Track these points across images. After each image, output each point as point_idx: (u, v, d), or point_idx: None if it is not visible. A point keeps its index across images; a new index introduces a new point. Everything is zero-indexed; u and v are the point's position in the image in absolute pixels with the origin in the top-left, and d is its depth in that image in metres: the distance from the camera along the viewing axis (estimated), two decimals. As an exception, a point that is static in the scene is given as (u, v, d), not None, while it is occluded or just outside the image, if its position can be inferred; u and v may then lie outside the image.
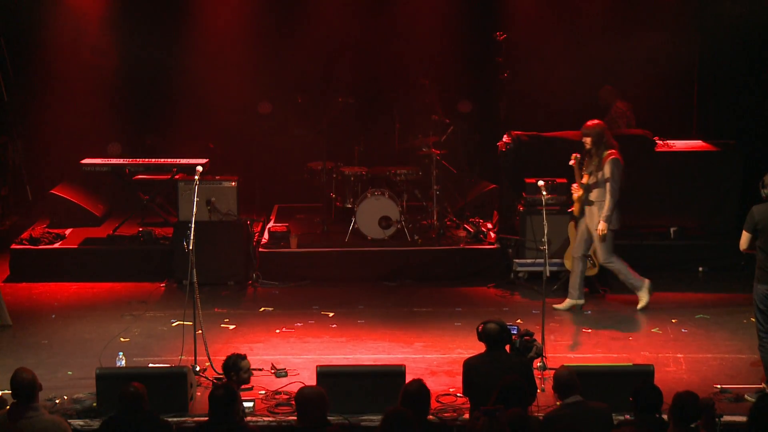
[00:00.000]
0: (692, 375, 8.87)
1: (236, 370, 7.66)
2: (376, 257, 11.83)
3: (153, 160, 12.48)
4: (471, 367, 7.54)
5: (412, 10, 13.67)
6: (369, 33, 13.91)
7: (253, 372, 8.76)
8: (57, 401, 8.12)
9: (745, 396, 8.24)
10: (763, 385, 8.41)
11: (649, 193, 12.13)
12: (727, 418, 7.32)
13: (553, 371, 7.42)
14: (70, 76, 13.64)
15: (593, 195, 10.31)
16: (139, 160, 12.40)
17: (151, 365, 8.82)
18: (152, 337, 9.88)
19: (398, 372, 8.08)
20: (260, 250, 11.85)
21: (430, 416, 7.54)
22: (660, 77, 13.58)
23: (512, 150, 12.17)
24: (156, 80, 13.96)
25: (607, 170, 10.19)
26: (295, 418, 7.67)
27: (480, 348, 7.69)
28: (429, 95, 13.05)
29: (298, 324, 10.25)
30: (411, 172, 12.42)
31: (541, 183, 9.53)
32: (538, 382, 8.51)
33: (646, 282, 10.55)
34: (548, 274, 9.20)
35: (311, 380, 8.23)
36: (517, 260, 11.58)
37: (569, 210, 10.73)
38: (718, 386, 8.48)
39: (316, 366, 8.14)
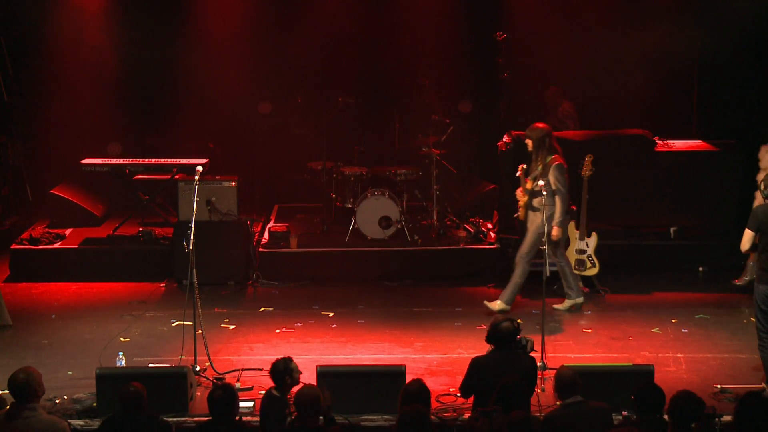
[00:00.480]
0: (692, 375, 8.87)
1: (289, 372, 7.40)
2: (376, 257, 11.83)
3: (153, 160, 12.48)
4: (481, 366, 7.47)
5: (412, 10, 13.66)
6: (369, 33, 13.90)
7: (253, 372, 8.83)
8: (57, 401, 8.12)
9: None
10: (763, 385, 8.40)
11: (649, 193, 12.13)
12: (727, 418, 7.31)
13: (554, 371, 7.42)
14: (70, 76, 13.63)
15: (537, 201, 10.17)
16: (139, 160, 12.40)
17: (151, 365, 8.82)
18: (152, 337, 9.88)
19: (398, 372, 8.08)
20: (260, 250, 11.85)
21: (431, 416, 7.53)
22: (660, 77, 13.59)
23: (512, 150, 12.16)
24: (156, 80, 13.95)
25: (552, 177, 10.06)
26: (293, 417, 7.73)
27: (482, 346, 7.69)
28: (429, 95, 13.06)
29: (298, 324, 10.25)
30: (411, 172, 12.42)
31: (541, 183, 9.52)
32: (538, 382, 8.53)
33: (582, 298, 10.51)
34: (548, 274, 9.20)
35: (311, 380, 8.22)
36: (517, 260, 11.57)
37: (516, 216, 10.57)
38: (718, 386, 8.48)
39: (316, 366, 8.14)
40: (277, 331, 10.06)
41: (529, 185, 10.23)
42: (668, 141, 12.48)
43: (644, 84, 13.50)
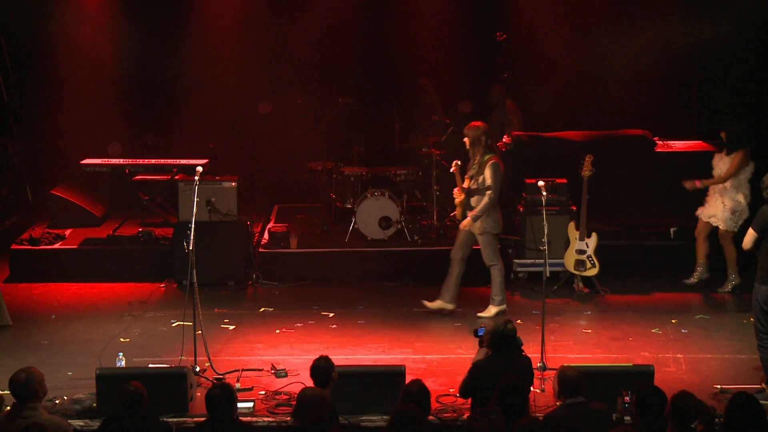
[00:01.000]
0: (692, 375, 8.87)
1: (333, 369, 7.31)
2: (376, 257, 11.82)
3: (153, 160, 12.47)
4: (483, 371, 7.40)
5: (413, 11, 13.66)
6: (369, 33, 13.90)
7: (254, 372, 8.83)
8: (57, 401, 8.13)
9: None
10: (762, 385, 8.40)
11: (649, 193, 12.14)
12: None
13: (554, 371, 7.41)
14: (71, 76, 13.64)
15: (475, 200, 10.13)
16: (139, 161, 12.40)
17: (151, 365, 8.82)
18: (152, 337, 9.88)
19: (398, 372, 8.09)
20: (260, 250, 11.85)
21: (431, 417, 7.53)
22: (660, 77, 13.59)
23: (512, 150, 12.18)
24: (156, 80, 13.96)
25: (487, 175, 10.00)
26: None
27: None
28: (429, 95, 13.06)
29: (298, 324, 10.25)
30: (411, 172, 12.42)
31: (541, 183, 9.53)
32: (537, 382, 8.54)
33: (504, 306, 10.35)
34: (548, 274, 9.20)
35: (311, 381, 8.21)
36: (517, 260, 11.58)
37: (453, 214, 10.52)
38: (718, 386, 8.48)
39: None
40: (277, 331, 10.06)
41: (466, 184, 10.16)
42: (668, 141, 12.49)
43: (644, 84, 13.51)
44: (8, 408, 6.96)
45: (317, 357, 7.33)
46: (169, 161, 12.40)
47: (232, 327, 10.19)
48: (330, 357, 7.37)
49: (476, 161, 10.11)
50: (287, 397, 8.29)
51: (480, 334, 7.64)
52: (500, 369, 7.26)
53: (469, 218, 10.11)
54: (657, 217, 12.20)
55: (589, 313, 10.65)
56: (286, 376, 8.78)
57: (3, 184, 13.33)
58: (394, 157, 13.29)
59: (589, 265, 10.94)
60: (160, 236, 12.02)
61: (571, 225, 11.05)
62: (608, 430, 6.70)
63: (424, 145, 12.56)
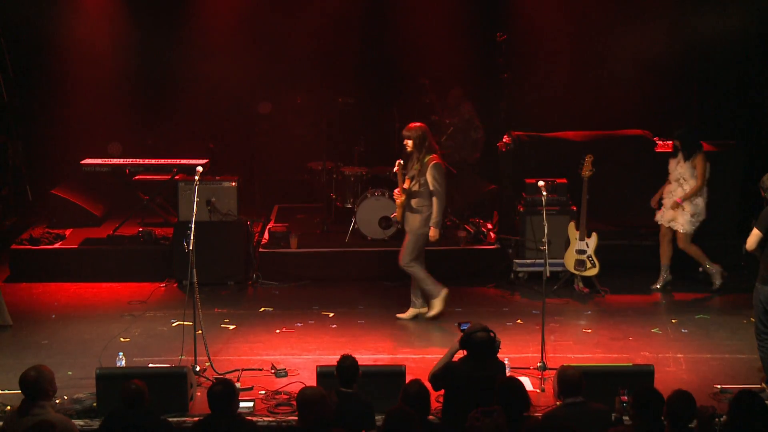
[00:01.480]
0: (692, 375, 8.88)
1: (358, 367, 7.33)
2: (376, 257, 11.82)
3: (153, 160, 12.47)
4: (452, 369, 7.46)
5: (413, 11, 13.66)
6: (369, 33, 13.90)
7: (254, 372, 8.83)
8: (57, 401, 8.11)
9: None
10: (763, 385, 8.41)
11: (649, 193, 12.08)
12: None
13: (554, 371, 7.41)
14: (71, 76, 13.64)
15: (415, 201, 10.04)
16: (139, 160, 12.40)
17: (151, 365, 8.82)
18: (152, 337, 9.88)
19: (398, 372, 8.09)
20: (260, 250, 11.85)
21: (431, 416, 7.53)
22: (660, 77, 13.59)
23: (512, 150, 12.18)
24: (156, 80, 13.95)
25: (429, 177, 9.90)
26: (295, 418, 7.72)
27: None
28: (429, 95, 13.06)
29: (298, 324, 10.25)
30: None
31: (541, 183, 9.52)
32: (537, 382, 8.54)
33: (444, 292, 10.30)
34: (548, 274, 9.20)
35: (311, 380, 8.23)
36: (517, 260, 11.59)
37: (393, 216, 10.42)
38: (718, 386, 8.48)
39: (316, 366, 8.14)
40: (277, 331, 10.06)
41: (407, 185, 10.06)
42: (668, 141, 12.47)
43: (644, 84, 13.51)
44: (8, 408, 6.96)
45: (342, 355, 7.32)
46: (169, 161, 12.40)
47: (232, 327, 10.19)
48: (331, 357, 7.37)
49: (417, 162, 10.00)
50: (287, 396, 8.29)
51: (463, 328, 7.63)
52: (469, 371, 7.33)
53: (433, 228, 10.00)
54: (657, 217, 12.18)
55: (589, 313, 10.65)
56: (286, 376, 8.78)
57: (3, 184, 13.32)
58: (394, 157, 13.27)
59: (589, 265, 10.95)
60: (160, 236, 12.02)
61: (571, 225, 11.05)
62: (607, 430, 6.70)
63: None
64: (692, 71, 13.69)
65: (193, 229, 8.78)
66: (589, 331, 10.13)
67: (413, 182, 10.03)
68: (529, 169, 11.81)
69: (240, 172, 12.28)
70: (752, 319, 9.57)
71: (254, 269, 11.64)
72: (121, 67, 13.78)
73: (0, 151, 13.36)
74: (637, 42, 13.48)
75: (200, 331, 8.85)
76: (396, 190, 10.20)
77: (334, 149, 12.74)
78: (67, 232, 12.33)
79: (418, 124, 10.10)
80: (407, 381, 7.29)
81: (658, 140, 12.40)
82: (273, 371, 8.84)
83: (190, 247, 8.72)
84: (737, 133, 12.87)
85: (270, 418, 7.97)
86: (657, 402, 6.51)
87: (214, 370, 8.78)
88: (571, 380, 6.94)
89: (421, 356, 9.31)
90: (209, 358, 8.85)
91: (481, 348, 7.40)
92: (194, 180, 9.16)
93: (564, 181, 11.53)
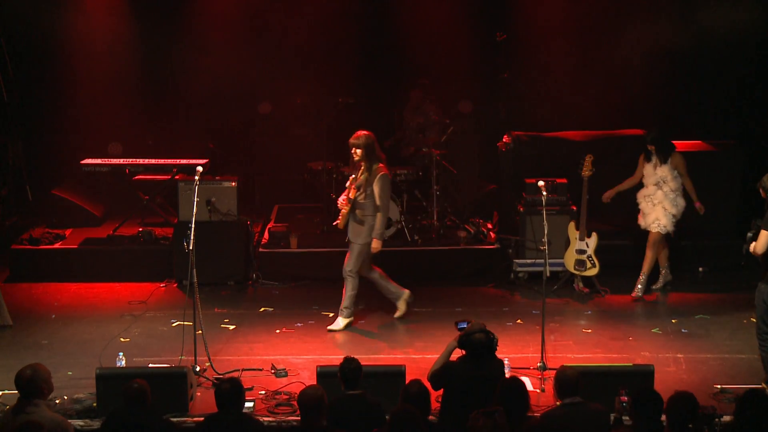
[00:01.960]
0: (692, 375, 8.87)
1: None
2: (377, 257, 11.79)
3: (153, 160, 12.47)
4: (450, 369, 7.46)
5: (413, 11, 13.66)
6: (369, 33, 13.90)
7: (254, 372, 8.82)
8: (57, 401, 8.13)
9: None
10: (763, 385, 8.40)
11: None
12: (727, 418, 7.32)
13: (554, 371, 7.41)
14: (71, 76, 13.63)
15: (360, 212, 9.89)
16: (139, 160, 12.40)
17: (151, 365, 8.82)
18: (152, 337, 9.88)
19: (398, 372, 8.09)
20: (260, 250, 11.85)
21: (431, 416, 7.53)
22: (660, 77, 13.59)
23: (512, 150, 12.18)
24: (156, 80, 13.95)
25: (377, 188, 9.77)
26: (295, 418, 7.73)
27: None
28: (429, 95, 13.06)
29: (298, 324, 10.25)
30: (411, 172, 12.42)
31: (541, 183, 9.53)
32: (538, 382, 8.54)
33: (406, 293, 10.29)
34: (548, 274, 9.20)
35: (311, 380, 8.23)
36: (517, 260, 11.59)
37: (335, 223, 10.20)
38: (718, 386, 8.48)
39: (316, 366, 8.14)
40: (277, 331, 10.06)
41: (353, 194, 9.88)
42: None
43: (644, 84, 13.51)
44: (8, 407, 6.97)
45: (345, 358, 7.30)
46: (169, 161, 12.40)
47: (232, 327, 10.19)
48: (331, 357, 7.37)
49: (365, 171, 9.83)
50: (287, 396, 8.29)
51: (461, 327, 7.63)
52: (468, 371, 7.34)
53: (375, 240, 9.86)
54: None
55: (589, 313, 10.65)
56: (286, 375, 8.78)
57: (3, 184, 13.32)
58: (394, 157, 13.29)
59: (589, 265, 10.95)
60: (160, 236, 12.02)
61: (571, 225, 11.05)
62: (606, 430, 6.71)
63: (424, 145, 12.55)
64: (692, 71, 13.68)
65: (193, 229, 8.78)
66: (589, 331, 10.13)
67: (359, 192, 9.85)
68: (529, 169, 11.81)
69: (240, 172, 12.28)
70: (752, 319, 9.57)
71: (254, 269, 11.64)
72: (122, 67, 13.78)
73: (0, 151, 13.36)
74: (637, 42, 13.49)
75: (200, 331, 8.86)
76: (343, 199, 10.04)
77: (334, 149, 12.74)
78: (67, 232, 12.33)
79: (365, 132, 9.89)
80: (407, 381, 7.30)
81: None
82: (273, 371, 8.84)
83: (190, 247, 8.72)
84: (737, 133, 12.86)
85: (270, 418, 7.96)
86: (656, 403, 6.51)
87: (214, 370, 8.78)
88: (568, 381, 6.94)
89: (421, 356, 9.31)
90: (209, 358, 8.85)
91: (479, 349, 7.41)
92: (194, 180, 9.16)
93: (564, 181, 11.53)
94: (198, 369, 8.70)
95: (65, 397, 8.21)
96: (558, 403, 7.06)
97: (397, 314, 10.38)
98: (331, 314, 10.49)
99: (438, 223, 12.28)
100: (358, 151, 9.84)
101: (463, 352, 7.47)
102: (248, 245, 11.72)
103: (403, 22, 13.70)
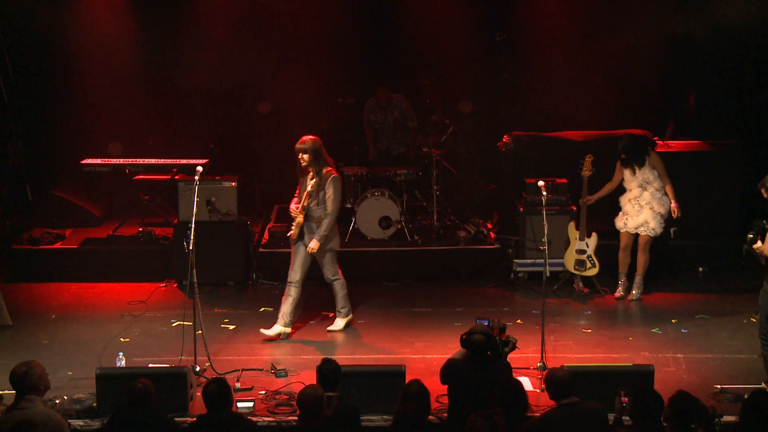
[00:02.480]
0: (692, 375, 8.87)
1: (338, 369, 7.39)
2: (376, 257, 11.82)
3: (153, 160, 12.47)
4: (453, 367, 7.51)
5: (413, 11, 13.65)
6: (369, 33, 13.89)
7: (254, 372, 8.83)
8: (57, 401, 8.12)
9: (745, 396, 8.21)
10: (763, 385, 8.40)
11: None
12: (727, 418, 7.33)
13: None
14: (71, 77, 13.61)
15: (317, 218, 9.68)
16: (139, 160, 12.40)
17: (151, 365, 8.82)
18: (152, 337, 9.88)
19: (398, 372, 8.09)
20: (260, 250, 11.85)
21: (431, 416, 7.54)
22: (660, 77, 13.59)
23: (512, 150, 12.18)
24: (157, 80, 13.93)
25: (329, 190, 9.59)
26: (295, 418, 7.73)
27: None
28: (429, 95, 13.06)
29: (298, 324, 10.25)
30: (411, 172, 12.42)
31: (541, 183, 9.53)
32: (538, 382, 8.54)
33: (350, 317, 10.08)
34: (548, 274, 9.20)
35: (311, 380, 8.22)
36: (517, 260, 11.58)
37: (288, 234, 9.93)
38: (718, 386, 8.48)
39: (316, 366, 8.13)
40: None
41: (306, 201, 9.67)
42: (668, 141, 12.48)
43: (644, 84, 13.51)
44: (7, 407, 6.97)
45: (324, 359, 7.33)
46: (169, 161, 12.40)
47: (232, 327, 10.19)
48: (330, 357, 7.39)
49: (316, 176, 9.62)
50: (287, 396, 8.29)
51: (485, 324, 7.68)
52: (468, 372, 7.38)
53: (316, 242, 9.69)
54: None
55: (589, 313, 10.65)
56: (286, 376, 8.79)
57: (3, 184, 13.32)
58: (394, 157, 13.29)
59: (589, 264, 10.95)
60: (160, 236, 12.02)
61: (571, 225, 11.05)
62: (605, 430, 6.70)
63: (424, 145, 12.56)
64: (692, 71, 13.67)
65: (193, 229, 8.79)
66: (589, 331, 10.12)
67: (311, 198, 9.65)
68: (529, 169, 11.81)
69: (240, 172, 12.27)
70: (753, 319, 9.60)
71: (254, 269, 11.63)
72: (122, 67, 13.76)
73: (0, 151, 13.36)
74: (637, 42, 13.48)
75: (200, 331, 8.86)
76: (293, 207, 9.81)
77: (334, 149, 12.71)
78: (67, 232, 12.33)
79: (311, 137, 9.70)
80: (407, 381, 7.30)
81: (658, 140, 12.39)
82: (273, 371, 8.84)
83: (190, 247, 8.72)
84: (737, 133, 12.85)
85: (270, 418, 7.97)
86: (656, 403, 6.51)
87: (214, 370, 8.78)
88: (561, 382, 6.94)
89: (421, 356, 9.31)
90: (209, 358, 8.85)
91: (477, 350, 7.41)
92: (194, 180, 9.16)
93: (564, 181, 11.53)
94: (198, 369, 8.70)
95: (65, 397, 8.21)
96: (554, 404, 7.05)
97: (331, 327, 10.03)
98: (331, 314, 10.49)
99: (438, 223, 12.28)
100: (306, 156, 9.60)
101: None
102: (248, 245, 11.71)
103: (403, 22, 13.68)
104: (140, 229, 12.12)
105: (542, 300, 9.04)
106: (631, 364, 8.65)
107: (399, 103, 12.99)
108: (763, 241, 8.26)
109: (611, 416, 7.02)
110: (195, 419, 7.12)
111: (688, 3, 13.50)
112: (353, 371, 8.24)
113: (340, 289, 10.02)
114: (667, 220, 10.78)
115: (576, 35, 13.63)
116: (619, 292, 10.92)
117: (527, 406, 6.78)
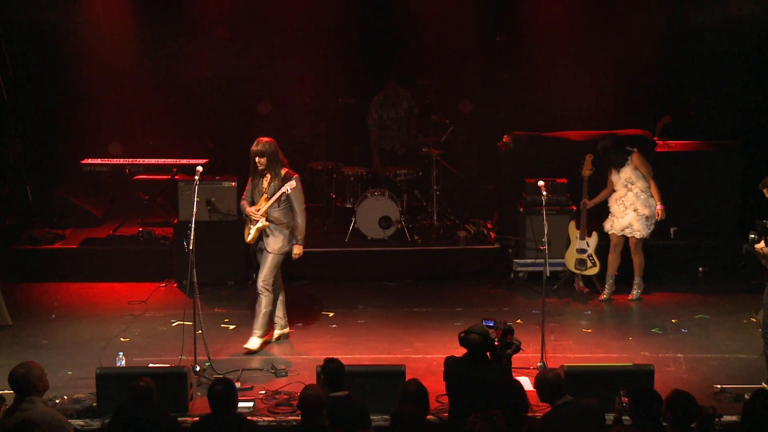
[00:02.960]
0: (692, 375, 8.87)
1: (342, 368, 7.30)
2: (376, 257, 11.82)
3: (153, 160, 12.48)
4: (451, 366, 7.53)
5: (413, 11, 13.65)
6: (369, 33, 13.89)
7: (254, 372, 8.83)
8: (57, 401, 8.13)
9: (745, 396, 8.22)
10: (763, 385, 8.40)
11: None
12: (727, 418, 7.31)
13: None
14: (71, 77, 13.61)
15: (277, 220, 9.41)
16: (139, 160, 12.40)
17: (151, 365, 8.82)
18: (152, 337, 9.88)
19: (398, 372, 8.09)
20: (260, 250, 11.83)
21: (430, 416, 7.54)
22: (660, 76, 13.59)
23: (512, 150, 12.18)
24: (156, 80, 13.93)
25: (296, 191, 9.34)
26: (295, 418, 7.73)
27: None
28: (429, 95, 13.06)
29: (298, 324, 10.25)
30: (411, 172, 12.42)
31: (541, 183, 9.54)
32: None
33: (287, 330, 9.78)
34: (548, 274, 9.20)
35: (311, 380, 8.22)
36: (517, 260, 11.58)
37: (248, 240, 9.58)
38: (718, 386, 8.48)
39: (316, 366, 8.13)
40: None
41: (266, 205, 9.39)
42: (668, 141, 12.48)
43: (644, 84, 13.51)
44: (6, 407, 6.96)
45: (326, 359, 7.31)
46: (169, 161, 12.40)
47: (232, 327, 10.19)
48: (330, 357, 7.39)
49: (274, 178, 9.41)
50: (287, 396, 8.29)
51: (487, 324, 7.68)
52: (464, 371, 7.40)
53: (297, 246, 9.46)
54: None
55: (589, 312, 10.65)
56: (286, 376, 8.79)
57: (3, 184, 13.32)
58: (394, 157, 13.29)
59: (589, 264, 10.95)
60: (160, 236, 12.02)
61: (572, 224, 11.05)
62: (602, 426, 6.70)
63: (424, 145, 12.56)
64: (692, 71, 13.67)
65: (193, 229, 8.79)
66: (589, 331, 10.12)
67: (279, 202, 9.41)
68: (529, 169, 11.81)
69: (240, 172, 12.26)
70: (752, 319, 9.61)
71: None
72: (122, 67, 13.75)
73: (0, 151, 13.36)
74: (637, 42, 13.48)
75: (200, 331, 8.86)
76: (253, 210, 9.45)
77: (334, 149, 12.74)
78: (67, 232, 12.33)
79: (267, 138, 9.47)
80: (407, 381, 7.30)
81: (658, 140, 12.41)
82: (273, 371, 8.84)
83: (190, 247, 8.72)
84: (737, 133, 12.86)
85: (270, 418, 7.97)
86: (656, 403, 6.51)
87: (214, 370, 8.78)
88: (553, 383, 6.94)
89: (421, 356, 9.31)
90: (209, 358, 8.85)
91: (473, 349, 7.42)
92: (194, 180, 9.16)
93: (564, 180, 11.53)
94: (198, 369, 8.70)
95: (65, 397, 8.21)
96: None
97: (262, 339, 9.49)
98: (332, 314, 10.51)
99: (438, 223, 12.28)
100: (262, 159, 9.38)
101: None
102: (248, 245, 11.68)
103: (403, 22, 13.69)
104: (140, 229, 12.13)
105: (542, 300, 9.05)
106: (631, 364, 8.65)
107: (406, 95, 13.00)
108: (766, 242, 8.27)
109: (611, 416, 7.03)
110: (197, 419, 7.11)
111: (689, 3, 13.50)
112: (353, 371, 8.22)
113: (265, 304, 9.43)
114: (655, 221, 10.74)
115: (576, 35, 13.63)
116: (604, 294, 10.89)
117: (527, 406, 6.78)
